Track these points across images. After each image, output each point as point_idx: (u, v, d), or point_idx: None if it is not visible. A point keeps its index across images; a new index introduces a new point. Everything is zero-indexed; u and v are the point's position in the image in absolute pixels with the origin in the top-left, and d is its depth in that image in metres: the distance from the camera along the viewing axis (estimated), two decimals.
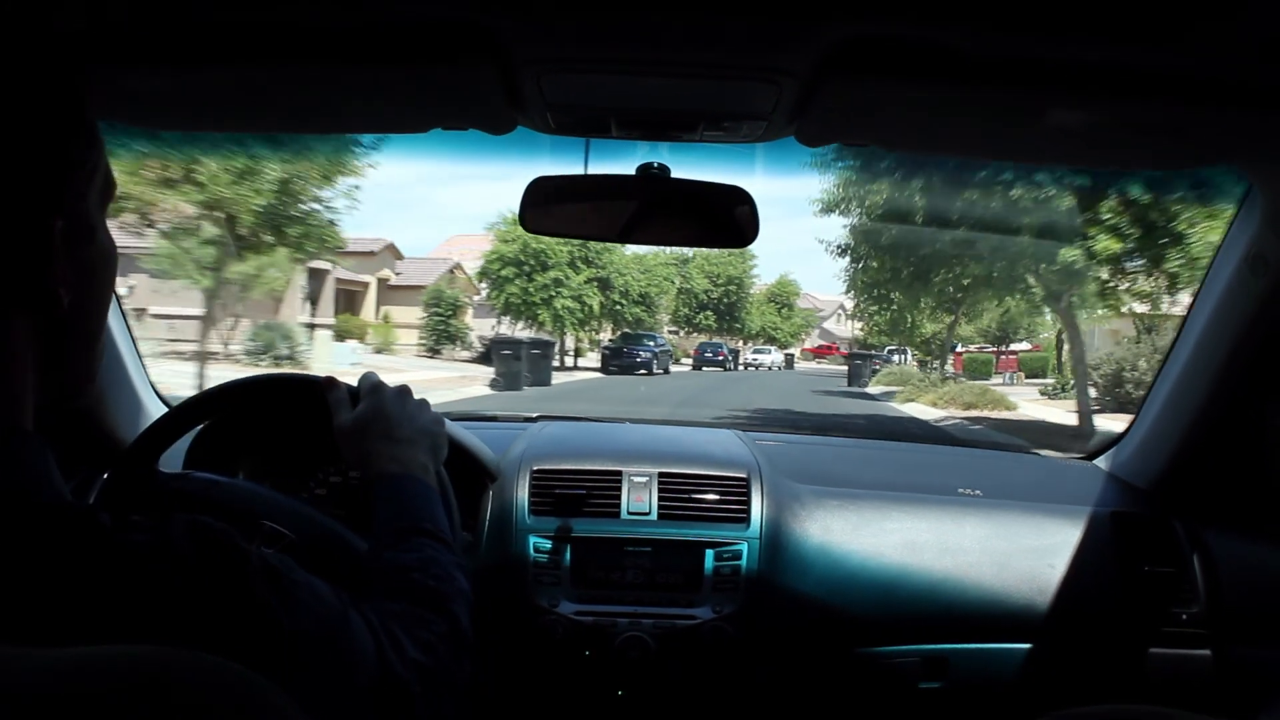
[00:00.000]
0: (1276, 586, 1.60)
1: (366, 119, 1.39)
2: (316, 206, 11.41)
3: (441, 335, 28.18)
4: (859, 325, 54.08)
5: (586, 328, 27.93)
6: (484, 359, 23.51)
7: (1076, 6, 0.89)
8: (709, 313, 42.51)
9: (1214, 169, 1.39)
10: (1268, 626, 1.58)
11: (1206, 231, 7.65)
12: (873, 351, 31.10)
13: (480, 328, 29.77)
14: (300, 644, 0.64)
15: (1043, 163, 1.85)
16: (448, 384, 15.80)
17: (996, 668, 1.61)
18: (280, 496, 1.26)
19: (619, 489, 1.62)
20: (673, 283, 35.42)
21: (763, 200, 1.33)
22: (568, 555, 1.55)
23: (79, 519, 0.60)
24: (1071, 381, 20.21)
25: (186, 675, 0.49)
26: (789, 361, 42.96)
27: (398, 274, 35.33)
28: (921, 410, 16.43)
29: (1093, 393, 14.62)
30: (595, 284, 26.92)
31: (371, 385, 1.14)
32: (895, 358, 37.66)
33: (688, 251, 37.13)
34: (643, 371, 25.73)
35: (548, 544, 1.56)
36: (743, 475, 1.65)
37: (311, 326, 26.29)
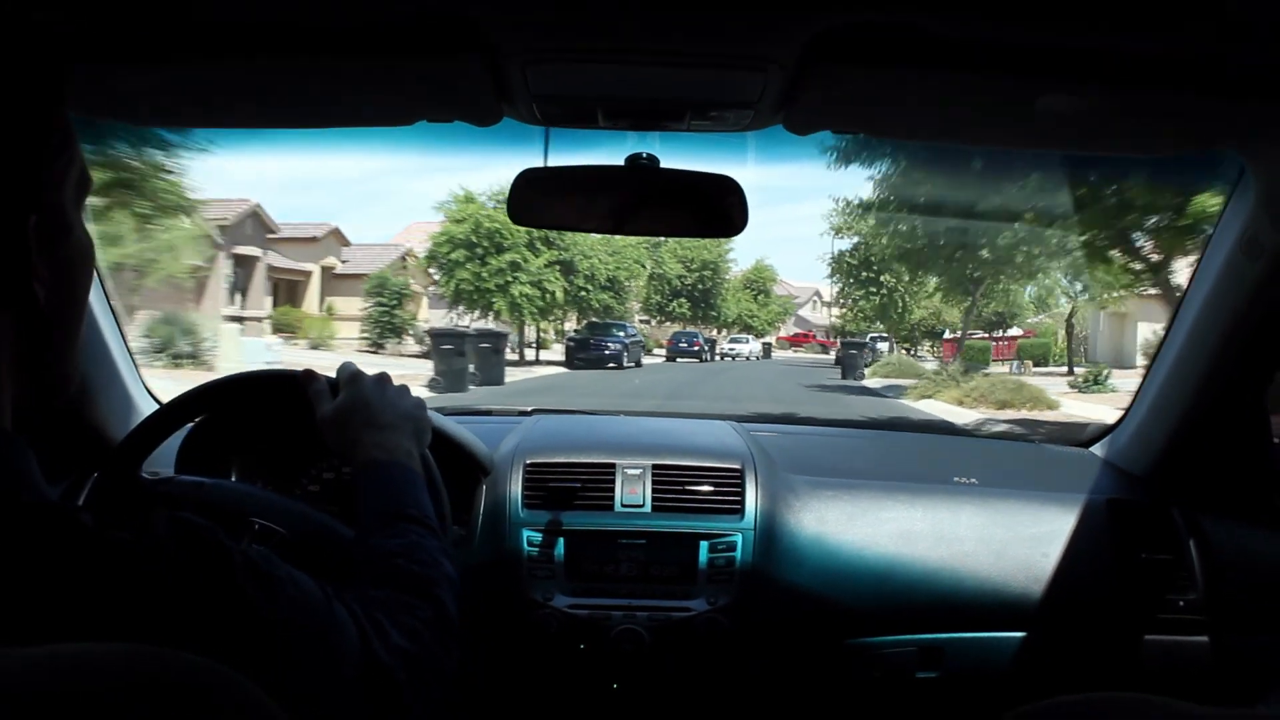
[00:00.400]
0: (1273, 572, 1.60)
1: (351, 113, 1.36)
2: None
3: (385, 328, 25.47)
4: (837, 312, 52.05)
5: (549, 317, 25.10)
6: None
7: None
8: (683, 300, 39.94)
9: (1207, 154, 1.37)
10: (1265, 613, 1.58)
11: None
12: (868, 339, 28.62)
13: (438, 319, 26.97)
14: (284, 637, 0.65)
15: (1033, 148, 1.89)
16: None
17: (993, 657, 1.60)
18: (270, 494, 1.27)
19: (612, 482, 1.61)
20: (643, 266, 32.69)
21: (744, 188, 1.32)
22: (561, 549, 1.55)
23: (60, 518, 0.60)
24: (1105, 371, 17.80)
25: (168, 673, 0.49)
26: (766, 351, 40.78)
27: (344, 261, 32.58)
28: (947, 410, 13.73)
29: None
30: (557, 268, 23.97)
31: (350, 374, 1.12)
32: (880, 345, 35.32)
33: None
34: (612, 365, 23.07)
35: (541, 537, 1.55)
36: (737, 466, 1.64)
37: (239, 320, 23.65)
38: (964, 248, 14.61)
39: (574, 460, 1.65)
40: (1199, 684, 1.58)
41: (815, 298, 62.30)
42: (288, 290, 30.43)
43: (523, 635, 1.53)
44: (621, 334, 24.87)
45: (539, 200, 1.37)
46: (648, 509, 1.58)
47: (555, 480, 1.61)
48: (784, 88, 1.09)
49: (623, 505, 1.59)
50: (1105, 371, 18.20)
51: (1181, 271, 8.56)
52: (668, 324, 40.80)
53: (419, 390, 1.33)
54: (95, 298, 1.56)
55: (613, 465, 1.63)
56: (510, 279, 22.81)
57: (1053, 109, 1.13)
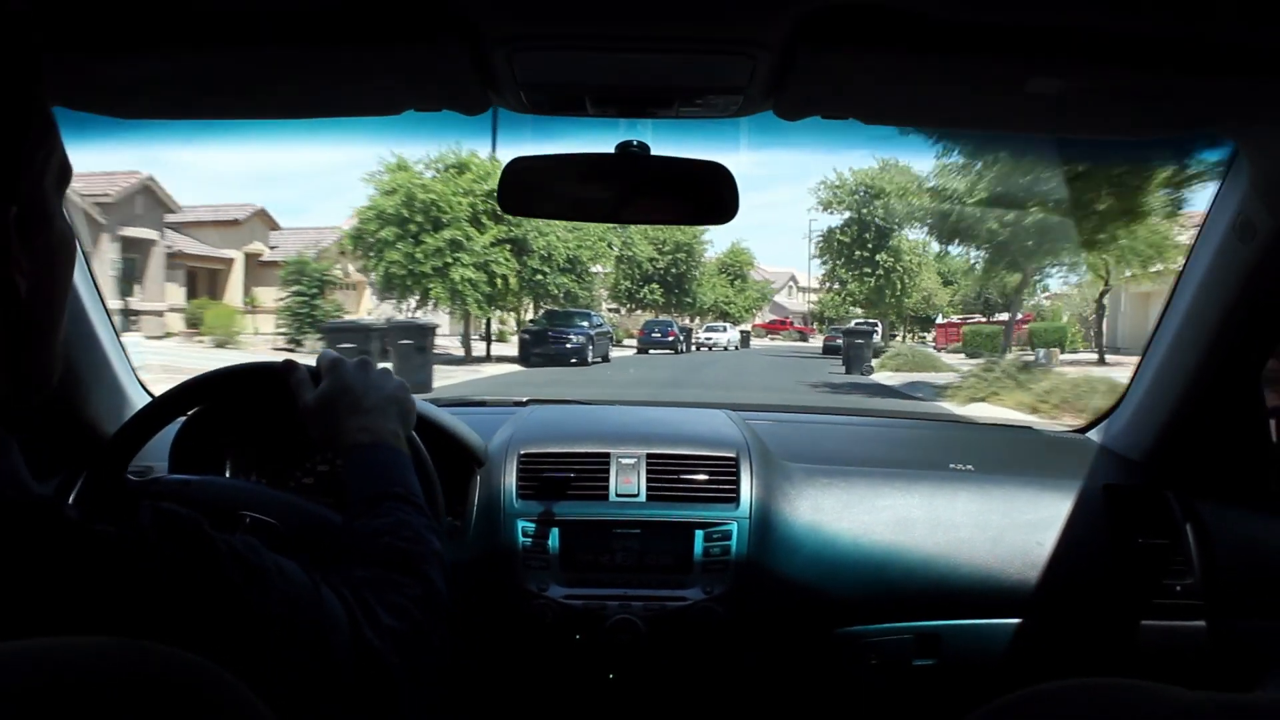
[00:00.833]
0: (1269, 556, 1.59)
1: (336, 102, 1.35)
2: None
3: (305, 321, 21.66)
4: (814, 297, 48.82)
5: (499, 306, 21.37)
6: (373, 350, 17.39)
7: None
8: (655, 286, 36.44)
9: (1199, 135, 1.36)
10: (1262, 597, 1.57)
11: None
12: (875, 326, 25.30)
13: (388, 312, 23.30)
14: (272, 625, 0.65)
15: (1024, 132, 1.86)
16: None
17: (990, 644, 1.60)
18: (259, 487, 1.30)
19: (607, 471, 1.60)
20: (611, 248, 29.20)
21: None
22: (556, 539, 1.54)
23: (44, 512, 0.60)
24: None
25: (149, 666, 0.49)
26: (745, 339, 37.95)
27: (272, 247, 28.76)
28: (1026, 422, 10.12)
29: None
30: (507, 247, 20.24)
31: (330, 362, 1.12)
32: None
33: None
34: (574, 361, 19.71)
35: (536, 528, 1.55)
36: (731, 455, 1.64)
37: (132, 314, 19.63)
38: (1020, 213, 11.87)
39: (568, 450, 1.64)
40: (1196, 669, 1.57)
41: (791, 283, 60.76)
42: (208, 280, 27.01)
43: (518, 626, 1.53)
44: (585, 324, 21.42)
45: (528, 189, 1.36)
46: (642, 498, 1.58)
47: (550, 470, 1.60)
48: (772, 72, 1.09)
49: (617, 495, 1.58)
50: None
51: None
52: (639, 312, 37.42)
53: None
54: (85, 290, 1.55)
55: (607, 455, 1.63)
56: (450, 260, 19.08)
57: (1044, 91, 1.12)
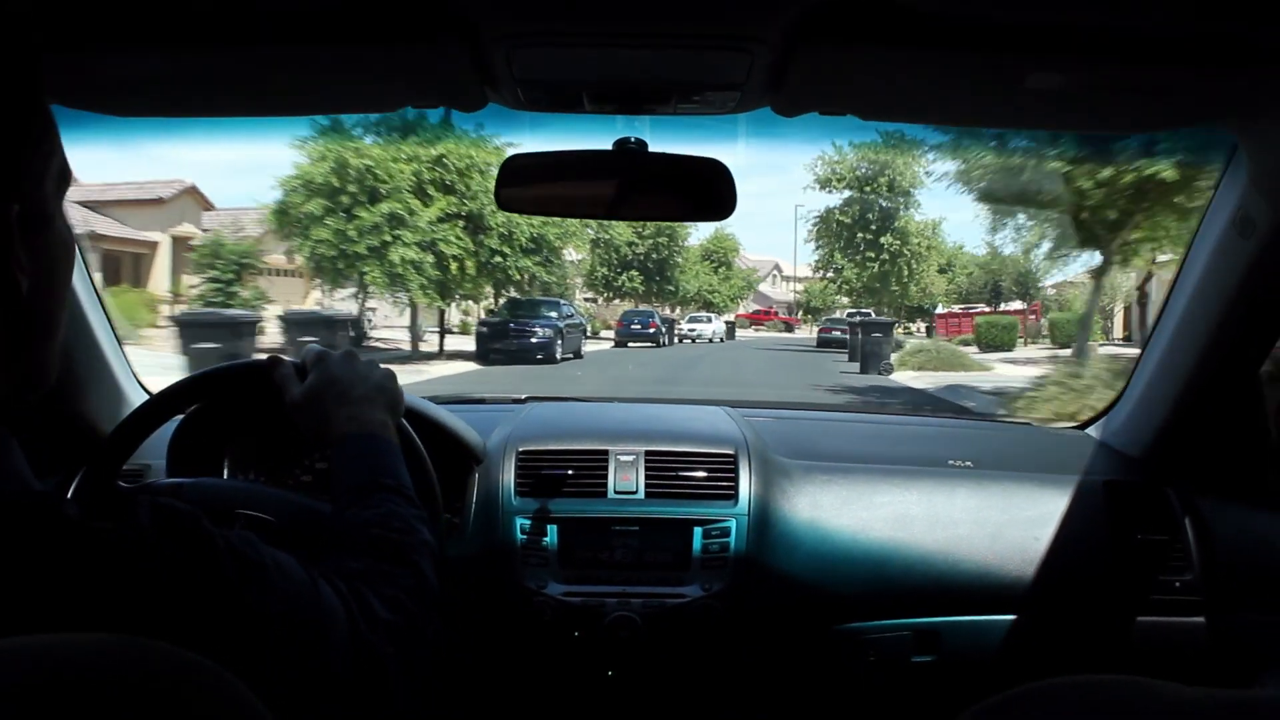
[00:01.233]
0: (1270, 553, 1.59)
1: (334, 99, 1.37)
2: None
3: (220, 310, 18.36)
4: (799, 286, 45.99)
5: (452, 292, 18.30)
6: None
7: None
8: (634, 273, 33.56)
9: (1199, 130, 1.35)
10: (1261, 593, 1.57)
11: None
12: (891, 318, 22.32)
13: (341, 301, 20.23)
14: (270, 620, 0.65)
15: (1024, 127, 1.88)
16: None
17: (989, 640, 1.60)
18: (254, 485, 1.32)
19: (605, 468, 1.60)
20: (587, 229, 26.20)
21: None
22: (555, 536, 1.54)
23: (42, 508, 0.60)
24: None
25: (145, 663, 0.49)
26: (730, 331, 35.36)
27: (205, 230, 25.49)
28: None
29: None
30: (460, 224, 17.18)
31: (316, 355, 1.12)
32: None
33: None
34: (540, 357, 16.86)
35: (534, 525, 1.55)
36: (730, 452, 1.63)
37: None
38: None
39: (567, 447, 1.64)
40: (1195, 665, 1.57)
41: (775, 272, 58.59)
42: (132, 266, 23.71)
43: (517, 623, 1.53)
44: (553, 314, 18.50)
45: (526, 186, 1.36)
46: (641, 495, 1.58)
47: (548, 468, 1.60)
48: (770, 68, 1.08)
49: (616, 492, 1.58)
50: None
51: None
52: (619, 302, 34.53)
53: None
54: (83, 290, 1.55)
55: (605, 452, 1.62)
56: (389, 238, 16.05)
57: (1043, 87, 1.11)
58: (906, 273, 27.76)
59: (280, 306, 17.81)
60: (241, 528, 1.09)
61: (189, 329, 11.46)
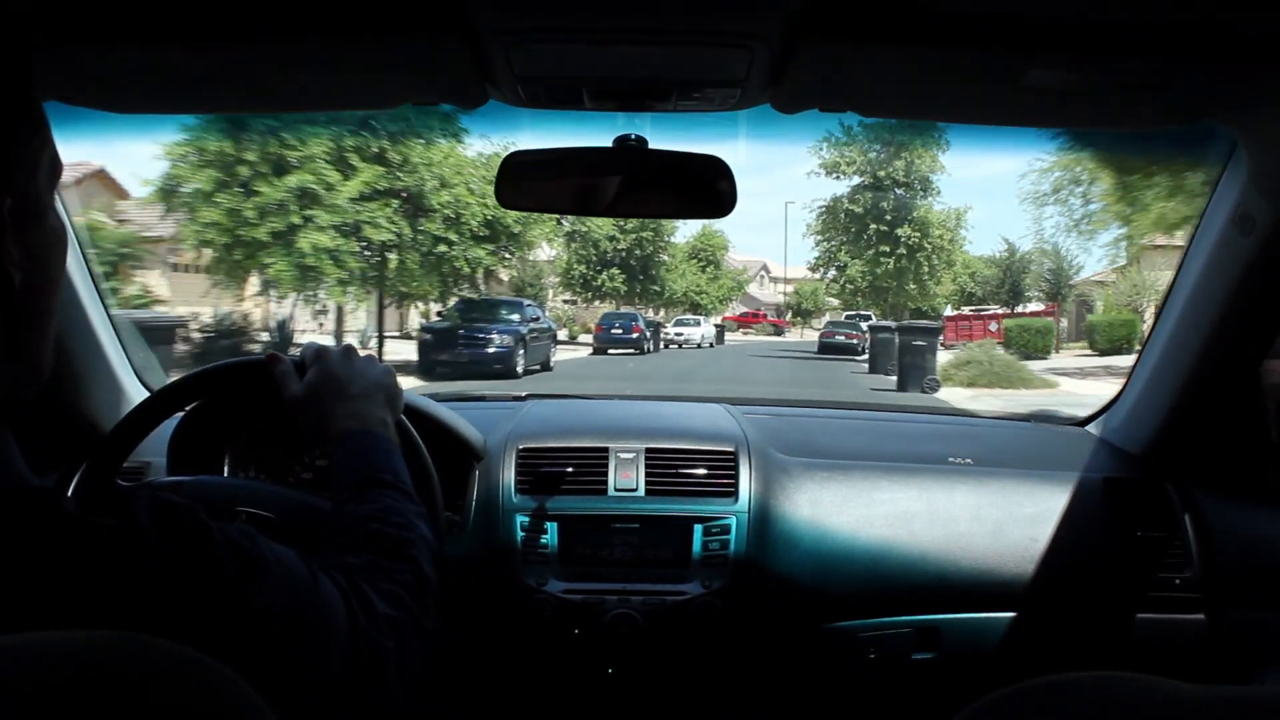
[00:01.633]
0: (1269, 550, 1.59)
1: (334, 96, 1.35)
2: None
3: None
4: (788, 288, 42.98)
5: (390, 291, 14.77)
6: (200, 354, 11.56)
7: None
8: (615, 271, 30.30)
9: (1198, 127, 1.32)
10: (1261, 590, 1.57)
11: None
12: (933, 322, 18.95)
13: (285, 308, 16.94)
14: (270, 614, 0.65)
15: (1023, 124, 1.47)
16: None
17: (989, 638, 1.60)
18: (254, 483, 1.33)
19: (606, 466, 1.60)
20: (561, 223, 22.83)
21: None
22: (555, 534, 1.54)
23: (42, 503, 0.60)
24: None
25: (146, 660, 0.49)
26: (720, 334, 32.55)
27: (120, 221, 21.87)
28: None
29: None
30: (393, 202, 13.73)
31: (315, 351, 1.11)
32: (864, 325, 26.56)
33: None
34: (497, 367, 13.98)
35: (535, 523, 1.54)
36: (730, 449, 1.63)
37: None
38: None
39: (567, 445, 1.64)
40: (1195, 662, 1.57)
41: (763, 273, 56.02)
42: None
43: (517, 621, 1.53)
44: (514, 317, 15.27)
45: (526, 183, 1.36)
46: (641, 493, 1.58)
47: (548, 465, 1.60)
48: (770, 65, 1.08)
49: (616, 489, 1.58)
50: None
51: None
52: (600, 304, 31.32)
53: None
54: (82, 286, 1.55)
55: (606, 449, 1.62)
56: (297, 220, 12.51)
57: (1042, 84, 1.11)
58: (926, 269, 24.53)
59: (186, 308, 14.42)
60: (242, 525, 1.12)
61: None
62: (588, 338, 25.93)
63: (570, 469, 1.59)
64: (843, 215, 24.63)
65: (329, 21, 1.00)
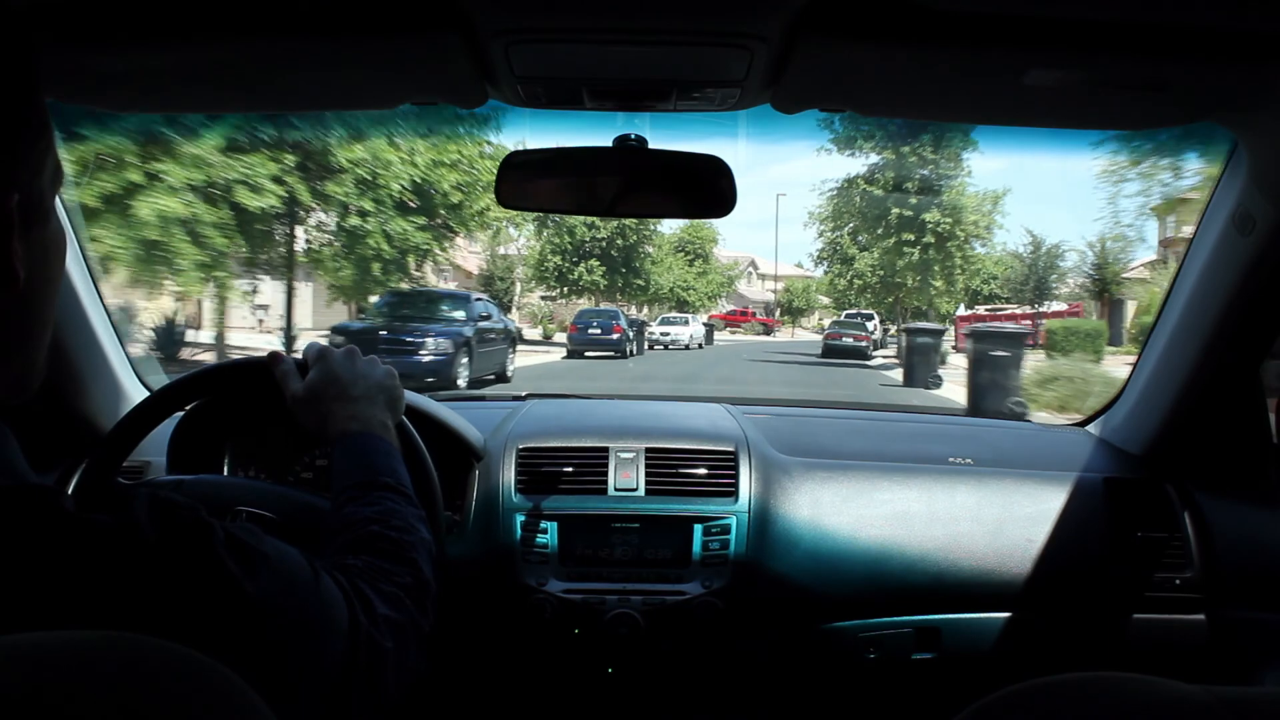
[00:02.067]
0: (1270, 549, 1.59)
1: (333, 95, 1.36)
2: None
3: None
4: (778, 285, 40.32)
5: (284, 276, 11.09)
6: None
7: None
8: (595, 263, 27.05)
9: (1198, 127, 1.31)
10: (1261, 590, 1.57)
11: None
12: (1026, 326, 15.74)
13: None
14: (270, 609, 0.64)
15: (1023, 124, 1.45)
16: None
17: (989, 638, 1.59)
18: (254, 482, 1.33)
19: (606, 466, 1.60)
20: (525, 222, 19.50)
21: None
22: (555, 533, 1.54)
23: (40, 500, 0.59)
24: None
25: (142, 660, 0.49)
26: (709, 334, 29.84)
27: None
28: None
29: None
30: (283, 157, 10.17)
31: (317, 352, 1.12)
32: (870, 325, 24.77)
33: None
34: (431, 380, 10.64)
35: (535, 523, 1.54)
36: (730, 449, 1.63)
37: None
38: None
39: (567, 445, 1.64)
40: (1195, 662, 1.57)
41: (750, 269, 53.55)
42: None
43: (517, 620, 1.52)
44: (458, 315, 12.07)
45: (526, 183, 1.36)
46: (641, 493, 1.57)
47: (548, 465, 1.60)
48: (770, 65, 1.08)
49: (616, 489, 1.58)
50: None
51: None
52: (582, 301, 28.14)
53: None
54: (83, 286, 1.55)
55: (606, 449, 1.62)
56: (137, 179, 9.03)
57: (1042, 83, 1.11)
58: (958, 261, 21.21)
59: None
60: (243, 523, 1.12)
61: None
62: (560, 339, 23.49)
63: (570, 469, 1.59)
64: (858, 198, 21.28)
65: (328, 21, 1.01)
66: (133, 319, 11.01)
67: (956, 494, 1.63)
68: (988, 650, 1.58)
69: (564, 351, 20.51)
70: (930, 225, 19.51)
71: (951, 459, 1.74)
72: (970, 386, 10.66)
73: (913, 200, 18.80)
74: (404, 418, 1.13)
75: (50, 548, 0.57)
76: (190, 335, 14.66)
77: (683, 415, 1.82)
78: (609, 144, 1.28)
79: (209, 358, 12.45)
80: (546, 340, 25.94)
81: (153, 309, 12.76)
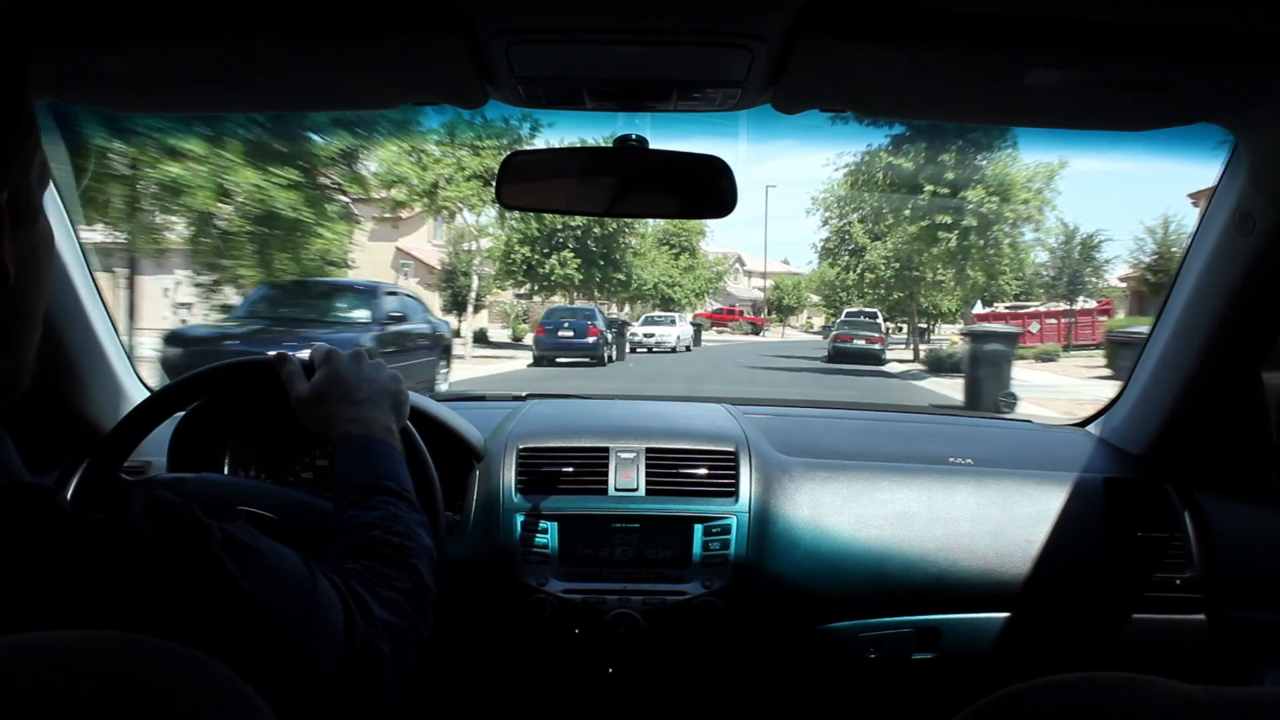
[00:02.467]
0: (1270, 549, 1.59)
1: (333, 95, 1.35)
2: None
3: None
4: (766, 282, 38.25)
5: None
6: None
7: None
8: (568, 255, 23.74)
9: (1198, 127, 1.32)
10: (1262, 590, 1.57)
11: None
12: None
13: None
14: (265, 612, 0.64)
15: (1024, 124, 1.50)
16: None
17: (990, 638, 1.59)
18: (256, 482, 1.33)
19: (606, 466, 1.60)
20: (489, 184, 16.34)
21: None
22: (555, 533, 1.54)
23: (36, 500, 0.59)
24: None
25: (140, 660, 0.49)
26: (698, 335, 27.31)
27: None
28: None
29: None
30: None
31: (324, 353, 1.12)
32: (883, 325, 23.31)
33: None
34: None
35: (535, 523, 1.54)
36: (731, 449, 1.63)
37: None
38: None
39: (567, 445, 1.64)
40: (1196, 662, 1.57)
41: (737, 265, 50.63)
42: None
43: (517, 621, 1.52)
44: (361, 313, 8.96)
45: (527, 183, 1.37)
46: (641, 493, 1.57)
47: (548, 465, 1.60)
48: (771, 65, 1.08)
49: (616, 489, 1.58)
50: None
51: None
52: (554, 298, 25.01)
53: None
54: (83, 286, 1.55)
55: (606, 449, 1.62)
56: None
57: (1042, 83, 1.10)
58: (1005, 248, 17.73)
59: None
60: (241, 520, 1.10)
61: None
62: (527, 342, 21.01)
63: (570, 469, 1.59)
64: (881, 174, 17.78)
65: (329, 21, 1.00)
66: None
67: (957, 494, 1.63)
68: (988, 650, 1.58)
69: (525, 362, 17.76)
70: (972, 205, 15.97)
71: (952, 459, 1.74)
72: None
73: (949, 175, 15.47)
74: (409, 424, 1.13)
75: (47, 547, 0.57)
76: None
77: (683, 415, 1.83)
78: (609, 144, 1.29)
79: None
80: (515, 343, 23.04)
81: None
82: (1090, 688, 0.53)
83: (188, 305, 14.79)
